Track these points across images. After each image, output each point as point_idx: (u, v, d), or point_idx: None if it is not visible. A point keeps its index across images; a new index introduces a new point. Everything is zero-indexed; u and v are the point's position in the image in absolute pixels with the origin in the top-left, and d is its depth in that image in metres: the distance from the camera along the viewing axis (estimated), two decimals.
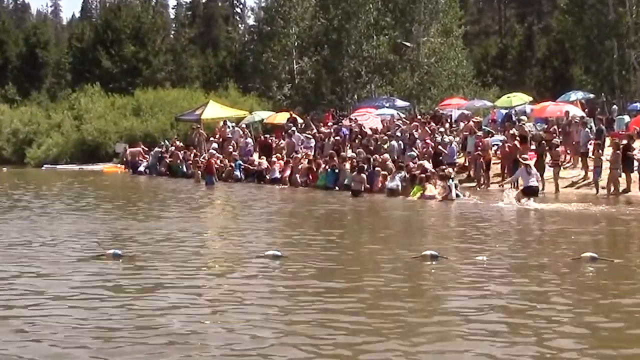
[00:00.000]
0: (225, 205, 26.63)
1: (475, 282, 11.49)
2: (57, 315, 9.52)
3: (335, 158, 31.45)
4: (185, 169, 39.59)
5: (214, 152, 37.54)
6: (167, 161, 41.25)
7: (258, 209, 23.74)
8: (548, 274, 12.16)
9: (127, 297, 10.53)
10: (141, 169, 42.81)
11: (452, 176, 26.57)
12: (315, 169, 32.08)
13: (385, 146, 32.65)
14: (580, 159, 30.01)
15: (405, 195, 26.38)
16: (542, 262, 13.23)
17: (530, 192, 24.09)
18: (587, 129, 30.17)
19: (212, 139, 41.78)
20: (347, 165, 31.03)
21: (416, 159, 29.56)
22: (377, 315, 9.43)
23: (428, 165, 28.20)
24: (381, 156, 30.75)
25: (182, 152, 41.33)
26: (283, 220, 21.42)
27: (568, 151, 31.17)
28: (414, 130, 34.64)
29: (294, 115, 45.43)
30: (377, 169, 29.11)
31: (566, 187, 28.62)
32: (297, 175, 32.45)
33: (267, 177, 34.10)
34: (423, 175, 26.49)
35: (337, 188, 30.08)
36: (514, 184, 26.43)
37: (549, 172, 29.05)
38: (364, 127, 37.46)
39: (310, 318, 9.29)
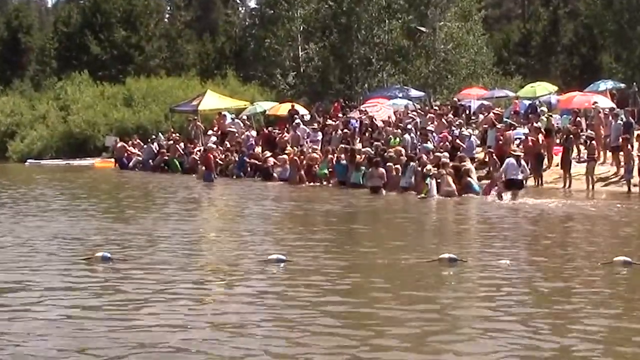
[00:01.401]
0: (226, 205, 26.67)
1: (497, 287, 11.51)
2: (34, 319, 9.70)
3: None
4: (186, 164, 39.60)
5: (213, 146, 37.53)
6: (165, 156, 41.08)
7: (277, 208, 23.86)
8: (577, 279, 12.19)
9: (111, 304, 10.60)
10: (131, 164, 42.92)
11: (431, 173, 26.45)
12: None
13: (398, 140, 32.61)
14: (611, 154, 29.97)
15: (418, 191, 26.28)
16: (571, 266, 13.25)
17: (512, 185, 24.81)
18: (619, 122, 30.16)
19: (210, 131, 41.81)
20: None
21: (430, 153, 29.47)
22: (391, 321, 9.49)
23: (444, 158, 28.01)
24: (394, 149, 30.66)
25: (181, 144, 41.40)
26: (296, 220, 21.45)
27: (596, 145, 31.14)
28: (429, 123, 34.66)
29: (295, 106, 45.27)
30: (388, 163, 28.97)
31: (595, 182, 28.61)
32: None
33: (275, 175, 34.00)
34: (436, 169, 26.52)
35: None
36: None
37: (575, 168, 29.07)
38: (375, 119, 37.43)
39: (321, 322, 9.35)
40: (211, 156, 35.24)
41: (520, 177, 25.16)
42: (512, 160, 25.47)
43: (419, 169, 27.29)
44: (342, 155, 31.23)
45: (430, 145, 30.95)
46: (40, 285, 11.75)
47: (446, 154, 28.79)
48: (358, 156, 30.53)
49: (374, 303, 10.59)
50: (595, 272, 12.79)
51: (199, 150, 39.12)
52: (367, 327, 9.25)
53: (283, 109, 46.70)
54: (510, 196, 24.76)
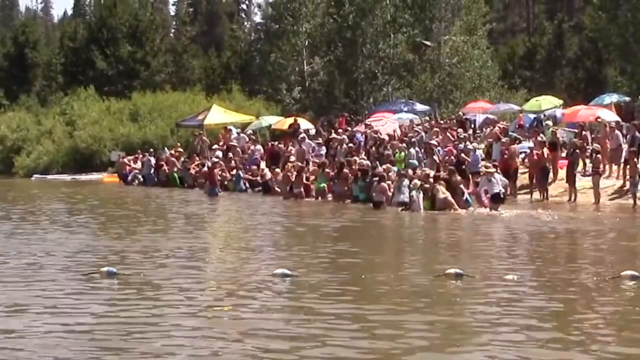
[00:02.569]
0: (229, 220, 26.64)
1: (504, 301, 11.47)
2: (38, 332, 9.75)
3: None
4: (185, 179, 39.61)
5: (217, 160, 37.52)
6: (165, 170, 41.15)
7: (278, 224, 23.85)
8: (586, 294, 12.14)
9: (117, 319, 10.60)
10: (130, 178, 43.11)
11: (418, 186, 26.47)
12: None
13: (403, 154, 32.60)
14: (617, 167, 29.92)
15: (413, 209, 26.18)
16: (579, 281, 13.20)
17: (498, 199, 25.68)
18: (616, 132, 30.29)
19: (215, 146, 41.84)
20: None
21: (417, 168, 29.54)
22: (398, 335, 9.46)
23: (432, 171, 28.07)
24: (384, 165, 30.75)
25: (180, 159, 41.43)
26: (300, 235, 21.44)
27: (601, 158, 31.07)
28: (434, 137, 34.64)
29: (298, 120, 45.15)
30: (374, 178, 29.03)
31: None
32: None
33: (277, 188, 33.96)
34: (428, 184, 26.55)
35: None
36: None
37: (580, 182, 29.02)
38: (381, 133, 37.40)
39: (328, 340, 9.33)
40: (215, 171, 35.32)
41: (500, 189, 26.09)
42: (484, 178, 26.35)
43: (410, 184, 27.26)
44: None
45: (415, 162, 30.84)
46: (46, 300, 11.76)
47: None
48: (346, 170, 30.62)
49: (379, 318, 10.56)
50: (603, 285, 12.74)
51: (198, 165, 39.21)
52: (373, 340, 9.23)
53: (288, 123, 46.69)
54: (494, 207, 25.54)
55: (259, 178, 35.80)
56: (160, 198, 33.86)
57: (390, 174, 28.95)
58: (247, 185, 36.18)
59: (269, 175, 35.21)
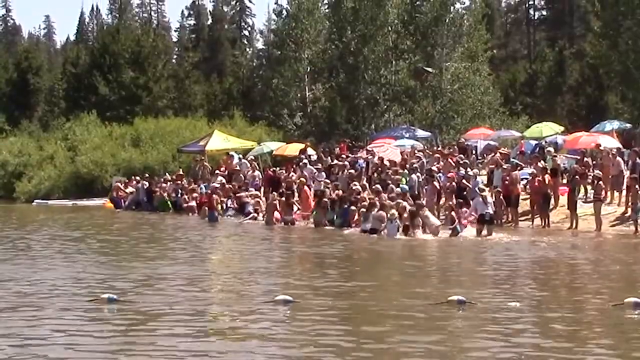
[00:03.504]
0: (229, 246, 26.60)
1: (507, 330, 11.43)
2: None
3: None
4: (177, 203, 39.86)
5: (217, 185, 37.55)
6: (159, 194, 41.34)
7: (272, 251, 23.84)
8: (588, 322, 12.10)
9: (119, 345, 10.59)
10: (125, 203, 43.22)
11: (395, 217, 26.73)
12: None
13: (404, 180, 32.55)
14: (619, 194, 29.88)
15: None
16: (581, 307, 13.17)
17: (485, 220, 26.48)
18: (618, 158, 30.34)
19: (217, 171, 41.84)
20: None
21: (407, 194, 29.80)
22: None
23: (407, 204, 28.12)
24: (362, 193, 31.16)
25: (172, 184, 41.78)
26: (295, 262, 21.43)
27: (603, 186, 31.02)
28: (435, 163, 34.62)
29: (308, 146, 45.20)
30: (352, 207, 29.75)
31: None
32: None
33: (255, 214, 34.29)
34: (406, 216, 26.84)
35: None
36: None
37: (581, 209, 28.97)
38: (383, 160, 37.36)
39: None
40: (215, 196, 35.39)
41: (490, 211, 26.80)
42: (479, 199, 27.07)
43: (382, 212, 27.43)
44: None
45: (400, 189, 30.89)
46: (48, 326, 11.76)
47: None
48: (325, 199, 30.90)
49: (380, 344, 10.54)
50: (605, 313, 12.70)
51: (191, 190, 39.42)
52: None
53: (290, 149, 46.71)
54: (486, 232, 26.29)
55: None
56: (156, 224, 33.81)
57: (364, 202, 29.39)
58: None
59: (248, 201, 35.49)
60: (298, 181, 35.02)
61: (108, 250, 23.19)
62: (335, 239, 26.19)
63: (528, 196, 30.84)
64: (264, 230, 30.60)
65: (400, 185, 31.15)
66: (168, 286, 15.61)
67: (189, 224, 33.43)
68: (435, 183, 31.43)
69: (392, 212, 26.92)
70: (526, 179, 31.87)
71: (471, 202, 28.88)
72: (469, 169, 32.88)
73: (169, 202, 40.27)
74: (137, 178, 44.82)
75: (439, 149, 41.47)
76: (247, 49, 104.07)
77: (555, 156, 33.67)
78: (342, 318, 12.39)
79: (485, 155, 39.39)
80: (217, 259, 22.73)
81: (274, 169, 41.58)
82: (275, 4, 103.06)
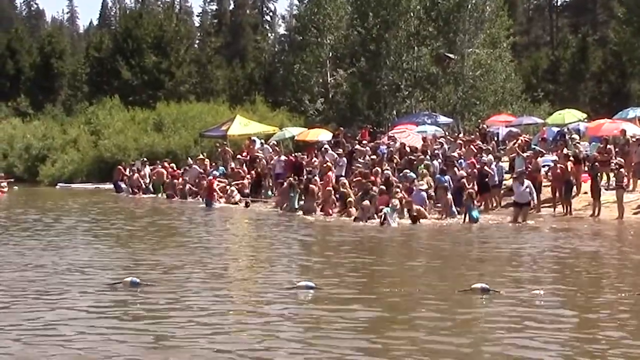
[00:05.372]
0: (245, 231, 26.68)
1: (530, 318, 11.38)
2: (60, 340, 9.97)
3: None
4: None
5: (217, 174, 37.66)
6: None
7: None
8: (613, 311, 12.02)
9: (142, 329, 10.61)
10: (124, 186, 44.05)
11: (397, 207, 26.72)
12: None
13: (422, 166, 32.38)
14: (638, 181, 29.72)
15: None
16: (606, 297, 13.09)
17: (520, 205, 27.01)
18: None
19: (239, 156, 41.84)
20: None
21: (415, 180, 29.86)
22: (422, 350, 9.40)
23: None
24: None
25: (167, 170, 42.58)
26: (312, 249, 21.43)
27: (626, 173, 30.82)
28: (457, 149, 34.49)
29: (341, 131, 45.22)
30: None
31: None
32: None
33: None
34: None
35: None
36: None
37: (604, 196, 28.78)
38: (405, 145, 37.26)
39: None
40: (213, 183, 35.52)
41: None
42: (516, 183, 27.63)
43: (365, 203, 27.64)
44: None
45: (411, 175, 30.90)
46: (73, 309, 11.81)
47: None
48: (312, 186, 31.23)
49: (402, 332, 10.51)
50: (629, 302, 12.61)
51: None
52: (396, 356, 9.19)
53: (312, 134, 46.66)
54: (522, 218, 26.71)
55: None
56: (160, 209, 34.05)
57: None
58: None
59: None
60: (325, 166, 34.90)
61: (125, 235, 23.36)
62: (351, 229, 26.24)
63: (549, 183, 30.67)
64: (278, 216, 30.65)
65: (408, 174, 30.97)
66: (191, 272, 15.67)
67: (201, 211, 33.43)
68: (455, 169, 31.30)
69: (394, 201, 26.91)
70: (548, 166, 31.67)
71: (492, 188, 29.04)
72: (490, 156, 32.66)
73: (160, 187, 41.30)
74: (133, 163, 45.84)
75: (461, 135, 41.31)
76: (269, 34, 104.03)
77: (579, 143, 33.48)
78: (365, 304, 12.36)
79: (507, 142, 39.20)
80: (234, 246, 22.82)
81: (296, 154, 41.55)
82: None
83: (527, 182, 27.41)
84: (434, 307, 12.21)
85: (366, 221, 26.82)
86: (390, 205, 26.70)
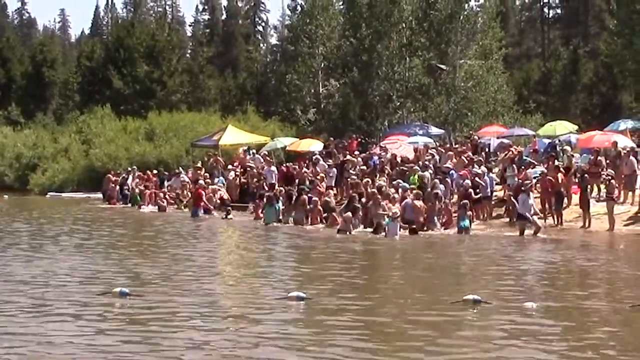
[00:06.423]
0: (235, 242, 26.70)
1: (523, 331, 11.38)
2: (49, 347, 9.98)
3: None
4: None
5: (203, 182, 37.50)
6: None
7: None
8: (605, 323, 12.03)
9: (131, 339, 10.60)
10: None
11: (397, 216, 26.75)
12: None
13: (415, 177, 32.42)
14: (632, 193, 29.77)
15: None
16: (598, 309, 13.09)
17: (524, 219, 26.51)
18: (631, 158, 30.22)
19: (230, 166, 41.83)
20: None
21: (407, 191, 29.79)
22: None
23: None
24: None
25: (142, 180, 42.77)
26: (301, 260, 21.44)
27: (616, 185, 30.88)
28: (448, 161, 34.53)
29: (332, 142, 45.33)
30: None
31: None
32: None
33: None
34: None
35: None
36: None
37: (594, 208, 28.84)
38: (397, 156, 37.32)
39: None
40: (201, 192, 35.42)
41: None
42: (524, 195, 27.06)
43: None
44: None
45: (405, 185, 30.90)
46: (62, 319, 11.80)
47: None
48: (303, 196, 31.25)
49: (393, 342, 10.52)
50: (621, 314, 12.62)
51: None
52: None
53: (303, 144, 46.72)
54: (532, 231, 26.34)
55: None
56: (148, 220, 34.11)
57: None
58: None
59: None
60: (318, 177, 34.88)
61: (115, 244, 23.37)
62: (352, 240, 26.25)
63: (539, 195, 30.69)
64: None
65: (401, 184, 30.98)
66: (182, 282, 15.66)
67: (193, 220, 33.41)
68: (448, 180, 31.36)
69: (394, 210, 26.93)
70: (537, 177, 31.69)
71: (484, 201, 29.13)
72: (482, 167, 32.70)
73: (137, 197, 41.23)
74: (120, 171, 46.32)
75: (455, 146, 41.36)
76: (261, 45, 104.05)
77: (572, 155, 33.55)
78: (357, 313, 12.37)
79: (498, 153, 39.26)
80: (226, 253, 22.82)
81: (287, 164, 41.56)
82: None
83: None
84: (425, 318, 12.21)
85: (350, 232, 26.82)
86: (390, 215, 26.66)
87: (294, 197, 31.82)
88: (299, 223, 30.21)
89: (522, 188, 27.61)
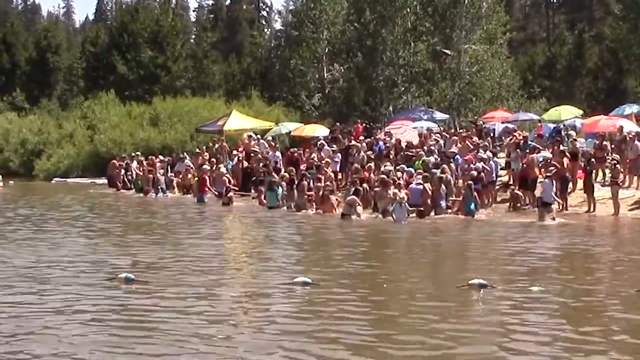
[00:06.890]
0: (240, 228, 26.71)
1: (527, 315, 11.37)
2: (55, 334, 10.01)
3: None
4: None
5: (207, 167, 37.42)
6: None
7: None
8: (610, 308, 12.00)
9: (134, 325, 10.62)
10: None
11: (404, 200, 26.67)
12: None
13: (420, 162, 32.37)
14: (637, 178, 29.71)
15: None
16: (605, 293, 13.08)
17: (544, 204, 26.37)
18: (636, 142, 30.09)
19: (234, 152, 41.79)
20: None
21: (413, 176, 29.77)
22: (418, 343, 9.40)
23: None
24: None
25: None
26: (306, 245, 21.45)
27: (621, 169, 30.80)
28: (453, 146, 34.45)
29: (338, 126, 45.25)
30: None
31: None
32: None
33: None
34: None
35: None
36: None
37: (599, 192, 28.78)
38: (401, 141, 37.25)
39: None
40: (206, 177, 35.41)
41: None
42: (547, 182, 26.93)
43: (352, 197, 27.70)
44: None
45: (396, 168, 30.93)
46: (67, 304, 11.80)
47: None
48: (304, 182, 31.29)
49: (399, 326, 10.51)
50: (629, 298, 12.60)
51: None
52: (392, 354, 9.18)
53: (308, 129, 46.67)
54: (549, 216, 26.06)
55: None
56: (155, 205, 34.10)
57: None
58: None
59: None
60: (323, 162, 34.78)
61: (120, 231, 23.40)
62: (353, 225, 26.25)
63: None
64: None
65: (405, 168, 30.99)
66: (187, 268, 15.67)
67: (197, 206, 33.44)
68: (452, 165, 31.30)
69: (401, 195, 26.88)
70: (541, 162, 31.60)
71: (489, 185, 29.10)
72: (488, 152, 32.61)
73: (139, 182, 41.08)
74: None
75: (459, 131, 41.28)
76: (266, 30, 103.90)
77: (576, 140, 33.46)
78: (363, 299, 12.37)
79: (503, 138, 39.17)
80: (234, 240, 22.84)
81: (292, 149, 41.51)
82: None
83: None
84: (432, 302, 12.22)
85: (353, 217, 26.80)
86: (397, 199, 26.60)
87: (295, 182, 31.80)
88: (302, 208, 30.19)
89: (548, 174, 27.49)
